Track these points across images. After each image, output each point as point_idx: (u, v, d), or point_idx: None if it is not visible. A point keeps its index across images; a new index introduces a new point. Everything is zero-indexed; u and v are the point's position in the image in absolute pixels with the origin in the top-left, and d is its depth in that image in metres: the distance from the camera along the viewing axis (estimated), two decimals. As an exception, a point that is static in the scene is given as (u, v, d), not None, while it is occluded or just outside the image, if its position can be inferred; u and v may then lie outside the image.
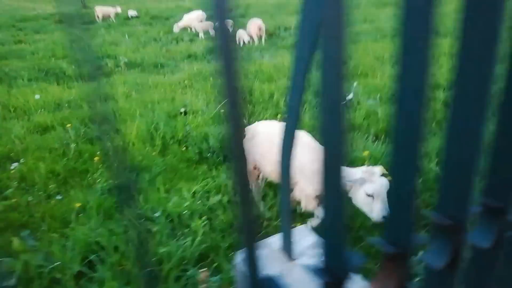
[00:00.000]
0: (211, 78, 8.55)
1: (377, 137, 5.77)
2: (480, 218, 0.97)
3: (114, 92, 7.87)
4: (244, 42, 13.24)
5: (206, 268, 3.00)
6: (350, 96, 6.94)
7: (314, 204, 3.17)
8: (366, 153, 4.58)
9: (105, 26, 17.75)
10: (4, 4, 33.78)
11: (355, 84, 7.48)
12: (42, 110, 6.83)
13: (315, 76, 0.77)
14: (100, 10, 19.99)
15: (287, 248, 1.67)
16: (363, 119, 6.31)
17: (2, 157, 5.21)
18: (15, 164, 4.93)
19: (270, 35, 15.02)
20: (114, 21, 19.59)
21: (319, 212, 3.18)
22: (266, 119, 6.26)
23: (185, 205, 3.91)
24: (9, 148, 5.42)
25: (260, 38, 13.71)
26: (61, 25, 18.40)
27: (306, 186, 3.12)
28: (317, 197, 3.07)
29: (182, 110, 6.68)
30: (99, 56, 11.29)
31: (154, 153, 5.29)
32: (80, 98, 7.35)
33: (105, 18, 19.79)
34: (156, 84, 8.34)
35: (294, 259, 1.65)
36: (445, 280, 0.87)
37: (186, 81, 8.49)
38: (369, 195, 2.65)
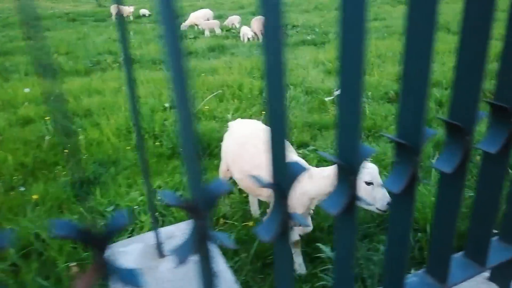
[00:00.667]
0: (203, 75, 8.42)
1: (363, 135, 5.49)
2: (489, 124, 1.13)
3: (104, 87, 7.84)
4: (248, 38, 13.08)
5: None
6: (338, 91, 6.64)
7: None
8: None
9: (115, 24, 17.86)
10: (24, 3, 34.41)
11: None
12: (29, 103, 6.82)
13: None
14: (115, 9, 20.20)
15: (158, 244, 1.50)
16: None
17: (-23, 148, 5.19)
18: (-14, 156, 4.89)
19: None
20: (130, 18, 19.70)
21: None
22: (250, 115, 6.08)
23: (140, 199, 3.76)
24: (-14, 140, 5.40)
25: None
26: (73, 23, 18.69)
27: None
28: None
29: (167, 105, 6.57)
30: (100, 52, 11.34)
31: (128, 148, 5.18)
32: (69, 92, 7.34)
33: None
34: (148, 80, 8.25)
35: (164, 256, 1.48)
36: (455, 184, 1.03)
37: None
38: (368, 183, 2.48)
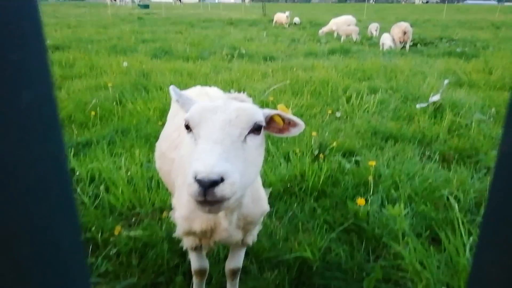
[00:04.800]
0: (294, 69, 7.61)
1: (445, 160, 3.91)
2: None
3: (196, 70, 7.80)
4: (387, 45, 11.54)
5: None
6: (436, 97, 4.97)
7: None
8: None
9: (262, 28, 18.45)
10: (204, 11, 39.50)
11: (446, 81, 5.36)
12: (116, 74, 7.19)
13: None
14: (276, 17, 21.13)
15: None
16: (448, 133, 4.40)
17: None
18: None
19: (419, 43, 12.83)
20: (286, 26, 20.13)
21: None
22: (314, 114, 5.04)
23: (105, 165, 3.29)
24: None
25: (403, 42, 11.78)
26: (229, 26, 20.09)
27: None
28: None
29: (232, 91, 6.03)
30: (223, 46, 11.62)
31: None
32: (162, 70, 7.50)
33: (279, 24, 20.71)
34: (243, 70, 7.89)
35: None
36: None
37: (272, 71, 7.76)
38: None
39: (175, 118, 2.24)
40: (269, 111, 1.47)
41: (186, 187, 1.13)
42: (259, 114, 1.37)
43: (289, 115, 1.45)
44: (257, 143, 1.34)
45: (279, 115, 1.46)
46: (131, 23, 20.65)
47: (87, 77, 7.14)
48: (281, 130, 1.50)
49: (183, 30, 17.05)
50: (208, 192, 1.10)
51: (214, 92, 2.47)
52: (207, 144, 1.20)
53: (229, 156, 1.19)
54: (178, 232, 1.79)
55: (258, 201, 1.72)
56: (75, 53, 9.45)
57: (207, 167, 1.10)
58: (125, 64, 7.69)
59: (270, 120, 1.48)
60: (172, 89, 1.61)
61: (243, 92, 1.64)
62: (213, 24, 21.37)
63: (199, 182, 1.10)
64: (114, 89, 5.85)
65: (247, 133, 1.30)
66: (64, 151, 0.42)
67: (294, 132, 1.48)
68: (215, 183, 1.10)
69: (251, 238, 1.98)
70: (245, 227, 1.72)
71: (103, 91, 6.03)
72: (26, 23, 0.35)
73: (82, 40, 12.37)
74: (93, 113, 4.78)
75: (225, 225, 1.57)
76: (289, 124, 1.49)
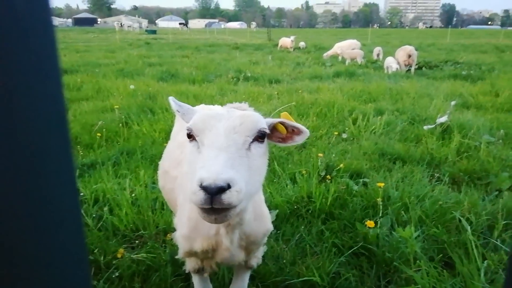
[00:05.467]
0: (300, 91, 7.63)
1: (454, 182, 3.84)
2: None
3: (202, 93, 7.86)
4: (392, 69, 11.55)
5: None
6: (443, 119, 4.93)
7: None
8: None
9: (268, 52, 18.72)
10: (210, 37, 40.24)
11: (453, 103, 5.32)
12: (123, 96, 7.26)
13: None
14: (281, 41, 21.46)
15: None
16: (457, 155, 4.35)
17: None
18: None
19: (425, 66, 12.89)
20: (291, 50, 20.37)
21: None
22: (321, 135, 5.02)
23: (109, 186, 3.25)
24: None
25: (408, 66, 11.84)
26: (234, 50, 20.40)
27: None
28: None
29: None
30: (229, 69, 11.75)
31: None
32: (169, 93, 7.56)
33: (284, 48, 21.00)
34: (248, 92, 7.93)
35: None
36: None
37: (277, 93, 7.80)
38: None
39: (178, 136, 2.22)
40: (272, 120, 1.43)
41: (190, 196, 1.09)
42: (263, 122, 1.34)
43: (293, 122, 1.41)
44: (261, 151, 1.31)
45: (283, 123, 1.42)
46: (139, 48, 21.06)
47: (94, 100, 7.21)
48: (284, 139, 1.46)
49: (189, 54, 17.33)
50: (215, 199, 1.06)
51: (217, 109, 2.46)
52: (212, 151, 1.17)
53: (234, 164, 1.16)
54: (180, 254, 1.74)
55: (261, 219, 1.67)
56: (82, 77, 9.60)
57: (213, 174, 1.07)
58: (132, 87, 7.77)
59: (272, 130, 1.43)
60: (172, 100, 1.58)
61: (245, 103, 1.61)
62: (219, 48, 21.74)
63: (205, 189, 1.06)
64: (120, 111, 5.88)
65: (251, 140, 1.27)
66: (74, 170, 0.42)
67: (298, 140, 1.44)
68: (221, 190, 1.06)
69: (256, 261, 1.91)
70: (248, 247, 1.67)
71: (109, 113, 6.07)
72: (43, 48, 0.36)
73: (90, 64, 12.59)
74: (99, 134, 4.79)
75: (227, 244, 1.52)
76: (292, 132, 1.45)
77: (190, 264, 1.83)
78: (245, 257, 1.71)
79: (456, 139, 4.57)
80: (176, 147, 2.13)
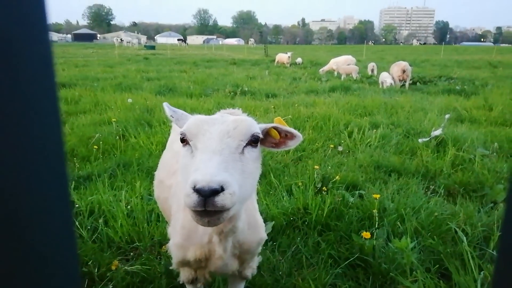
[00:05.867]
0: (296, 105, 7.69)
1: (450, 194, 3.85)
2: None
3: (199, 106, 7.90)
4: (387, 84, 11.68)
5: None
6: (438, 132, 4.97)
7: None
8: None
9: (264, 68, 18.90)
10: (208, 52, 40.61)
11: (447, 116, 5.38)
12: (121, 110, 7.28)
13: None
14: (278, 57, 21.71)
15: None
16: (452, 167, 4.37)
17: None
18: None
19: (419, 82, 13.05)
20: (287, 66, 20.56)
21: None
22: (316, 148, 5.04)
23: (105, 198, 3.24)
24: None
25: (403, 81, 11.98)
26: (232, 65, 20.58)
27: None
28: None
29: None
30: (227, 83, 11.84)
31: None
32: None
33: (280, 63, 21.22)
34: (245, 106, 7.98)
35: None
36: None
37: (274, 107, 7.85)
38: None
39: (173, 145, 2.24)
40: (265, 125, 1.44)
41: (184, 198, 1.10)
42: (257, 127, 1.35)
43: (286, 127, 1.43)
44: (254, 155, 1.32)
45: (276, 128, 1.43)
46: (137, 63, 21.21)
47: (91, 113, 7.22)
48: (277, 144, 1.47)
49: (187, 69, 17.46)
50: (208, 201, 1.06)
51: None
52: (206, 155, 1.18)
53: (227, 167, 1.16)
54: (174, 264, 1.73)
55: (255, 228, 1.67)
56: (81, 90, 9.63)
57: (207, 176, 1.08)
58: (129, 100, 7.80)
59: (265, 135, 1.45)
60: (166, 106, 1.59)
61: (238, 109, 1.63)
62: (217, 63, 21.93)
63: (199, 191, 1.06)
64: (117, 124, 5.90)
65: (244, 144, 1.28)
66: (67, 182, 0.42)
67: (291, 144, 1.46)
68: (215, 192, 1.06)
69: (250, 271, 1.90)
70: (241, 256, 1.66)
71: (106, 126, 6.08)
72: (39, 61, 0.37)
73: (89, 78, 12.65)
74: (95, 147, 4.79)
75: (220, 252, 1.51)
76: (286, 136, 1.46)
77: (184, 275, 1.82)
78: (239, 267, 1.71)
79: (451, 152, 4.60)
80: (171, 156, 2.14)
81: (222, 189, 1.08)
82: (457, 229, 2.69)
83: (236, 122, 1.30)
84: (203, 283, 1.89)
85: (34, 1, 0.36)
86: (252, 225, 1.65)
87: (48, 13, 0.38)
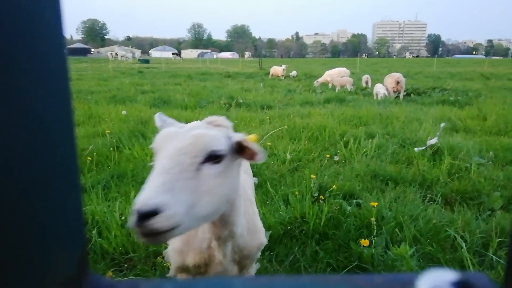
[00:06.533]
0: (291, 116, 7.70)
1: (447, 202, 3.84)
2: None
3: (194, 118, 7.88)
4: (380, 95, 11.78)
5: None
6: (433, 140, 4.98)
7: None
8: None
9: (259, 80, 19.00)
10: (202, 66, 40.83)
11: (442, 125, 5.40)
12: (115, 122, 7.25)
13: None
14: (272, 70, 21.86)
15: None
16: (448, 176, 4.37)
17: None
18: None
19: (413, 93, 13.15)
20: (282, 78, 20.67)
21: None
22: (313, 158, 5.02)
23: (99, 209, 3.18)
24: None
25: (397, 92, 12.07)
26: (226, 78, 20.68)
27: None
28: None
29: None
30: (221, 96, 11.87)
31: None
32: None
33: (275, 76, 21.33)
34: (240, 118, 7.98)
35: None
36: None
37: (269, 118, 7.86)
38: None
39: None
40: (237, 138, 1.35)
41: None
42: (218, 143, 1.26)
43: (250, 144, 1.31)
44: (216, 171, 1.23)
45: (241, 143, 1.33)
46: (132, 76, 21.25)
47: (85, 125, 7.18)
48: (251, 157, 1.38)
49: (182, 82, 17.52)
50: (140, 224, 1.03)
51: (195, 124, 2.49)
52: (153, 174, 1.14)
53: (174, 187, 1.11)
54: (171, 271, 1.69)
55: (255, 233, 1.65)
56: (74, 103, 9.59)
57: (142, 199, 1.04)
58: (123, 112, 7.77)
59: (243, 148, 1.35)
60: (158, 116, 1.54)
61: (224, 117, 1.59)
62: (211, 76, 22.02)
63: (135, 213, 1.04)
64: (112, 136, 5.86)
65: (201, 161, 1.20)
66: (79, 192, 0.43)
67: (257, 160, 1.36)
68: (149, 215, 1.03)
69: None
70: (241, 261, 1.63)
71: (100, 138, 6.03)
72: (53, 61, 0.38)
73: (83, 91, 12.63)
74: (89, 158, 4.74)
75: (219, 257, 1.49)
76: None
77: None
78: (238, 273, 1.67)
79: (447, 161, 4.60)
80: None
81: (157, 212, 1.04)
82: (456, 236, 2.67)
83: (193, 138, 1.23)
84: None
85: (51, 14, 0.37)
86: (251, 230, 1.63)
87: (64, 26, 0.39)
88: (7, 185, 0.32)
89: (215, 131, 1.34)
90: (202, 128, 1.34)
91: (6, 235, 0.32)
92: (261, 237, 1.70)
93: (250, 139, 1.36)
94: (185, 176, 1.16)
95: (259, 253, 1.80)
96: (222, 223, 1.44)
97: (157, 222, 1.03)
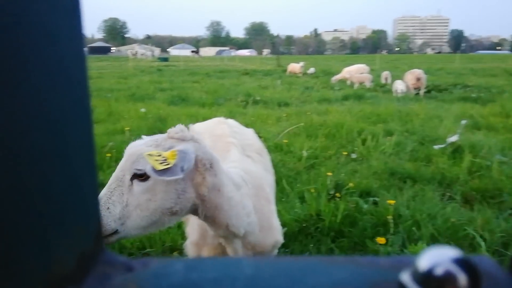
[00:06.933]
0: (304, 114, 7.68)
1: (467, 201, 3.76)
2: None
3: (211, 115, 7.93)
4: (399, 91, 11.59)
5: None
6: (454, 138, 4.88)
7: None
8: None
9: (277, 77, 18.97)
10: (220, 63, 41.03)
11: (463, 122, 5.28)
12: (134, 119, 7.37)
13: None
14: (290, 67, 21.77)
15: None
16: (468, 174, 4.28)
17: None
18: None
19: (433, 90, 12.88)
20: (300, 75, 20.58)
21: None
22: (330, 156, 5.00)
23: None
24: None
25: (417, 89, 11.85)
26: (243, 76, 20.73)
27: None
28: None
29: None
30: (239, 93, 11.91)
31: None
32: (178, 115, 7.67)
33: (292, 73, 21.21)
34: (257, 115, 8.00)
35: None
36: None
37: (286, 115, 7.85)
38: None
39: None
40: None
41: None
42: (142, 163, 1.27)
43: (149, 161, 1.25)
44: (143, 187, 1.29)
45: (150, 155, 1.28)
46: (151, 74, 21.53)
47: (105, 123, 7.32)
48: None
49: (200, 79, 17.65)
50: None
51: (232, 122, 2.52)
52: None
53: (109, 200, 1.26)
54: None
55: (269, 230, 1.67)
56: (95, 101, 9.79)
57: None
58: (142, 110, 7.90)
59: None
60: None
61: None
62: (229, 74, 22.10)
63: None
64: (131, 133, 5.96)
65: (129, 178, 1.30)
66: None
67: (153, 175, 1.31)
68: None
69: None
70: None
71: (120, 135, 6.15)
72: (74, 68, 0.40)
73: (103, 89, 12.88)
74: (108, 155, 4.83)
75: (231, 254, 1.52)
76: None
77: None
78: None
79: (467, 159, 4.50)
80: None
81: None
82: (475, 234, 2.61)
83: (126, 155, 1.33)
84: None
85: (70, 14, 0.39)
86: (265, 228, 1.65)
87: (83, 25, 0.41)
88: (31, 166, 0.34)
89: (150, 149, 1.32)
90: (149, 144, 1.36)
91: (26, 209, 0.33)
92: (277, 235, 1.72)
93: (167, 156, 1.28)
94: (119, 190, 1.29)
95: (276, 251, 1.81)
96: (211, 223, 1.45)
97: None
